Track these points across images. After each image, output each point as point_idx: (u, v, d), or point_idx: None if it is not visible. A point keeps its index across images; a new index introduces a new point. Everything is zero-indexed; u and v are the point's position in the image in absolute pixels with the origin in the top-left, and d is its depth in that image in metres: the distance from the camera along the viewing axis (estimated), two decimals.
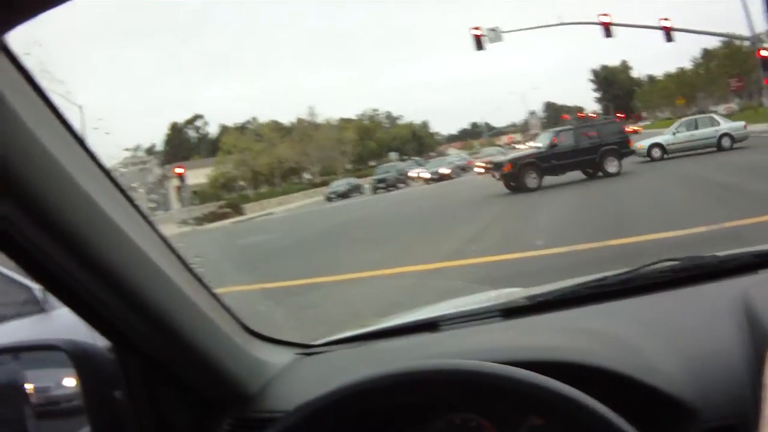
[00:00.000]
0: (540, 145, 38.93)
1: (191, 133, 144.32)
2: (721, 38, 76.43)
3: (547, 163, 36.51)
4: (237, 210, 70.42)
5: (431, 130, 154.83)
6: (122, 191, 1.80)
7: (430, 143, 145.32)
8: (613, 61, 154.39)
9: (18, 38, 1.45)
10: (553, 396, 1.60)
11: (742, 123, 42.59)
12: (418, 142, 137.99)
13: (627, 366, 1.79)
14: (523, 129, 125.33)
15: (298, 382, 2.36)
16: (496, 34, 49.73)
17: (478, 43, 49.00)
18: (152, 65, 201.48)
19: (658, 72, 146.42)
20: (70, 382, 2.30)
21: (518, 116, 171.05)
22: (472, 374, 1.72)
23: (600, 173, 36.35)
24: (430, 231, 24.91)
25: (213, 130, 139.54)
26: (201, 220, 57.11)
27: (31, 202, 1.54)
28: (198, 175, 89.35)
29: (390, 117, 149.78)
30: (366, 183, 78.70)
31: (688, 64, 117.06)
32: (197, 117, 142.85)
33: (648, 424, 1.54)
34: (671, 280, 2.32)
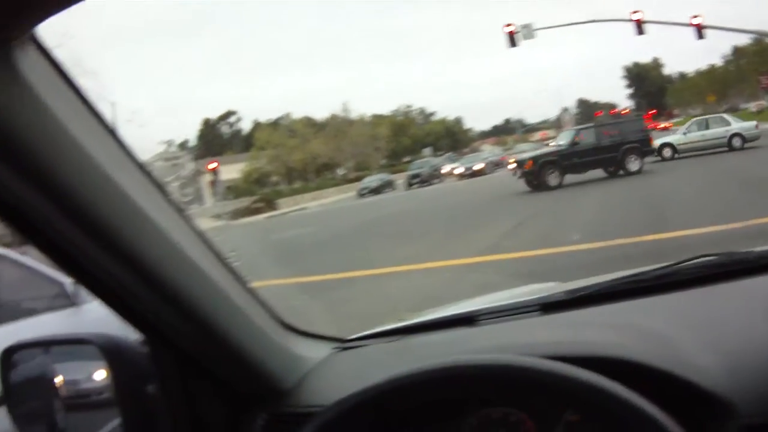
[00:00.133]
0: (561, 142, 39.00)
1: (224, 129, 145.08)
2: (752, 35, 76.08)
3: (569, 161, 36.47)
4: (270, 205, 70.77)
5: (465, 126, 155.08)
6: (156, 184, 1.78)
7: (464, 139, 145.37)
8: (645, 59, 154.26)
9: (49, 30, 1.43)
10: (594, 391, 1.56)
11: (753, 123, 42.64)
12: (452, 138, 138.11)
13: (664, 361, 1.76)
14: (556, 125, 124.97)
15: (334, 376, 2.34)
16: (528, 31, 49.86)
17: (512, 39, 49.16)
18: (185, 62, 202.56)
19: (690, 69, 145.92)
20: (100, 375, 2.29)
21: (551, 112, 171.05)
22: (513, 369, 1.69)
23: (621, 171, 36.30)
24: (464, 226, 24.99)
25: (246, 126, 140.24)
26: (234, 215, 57.41)
27: (63, 195, 1.51)
28: (231, 171, 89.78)
29: (424, 113, 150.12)
30: (399, 179, 78.89)
31: (718, 62, 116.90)
32: (230, 113, 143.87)
33: (684, 420, 1.51)
34: (709, 276, 2.27)
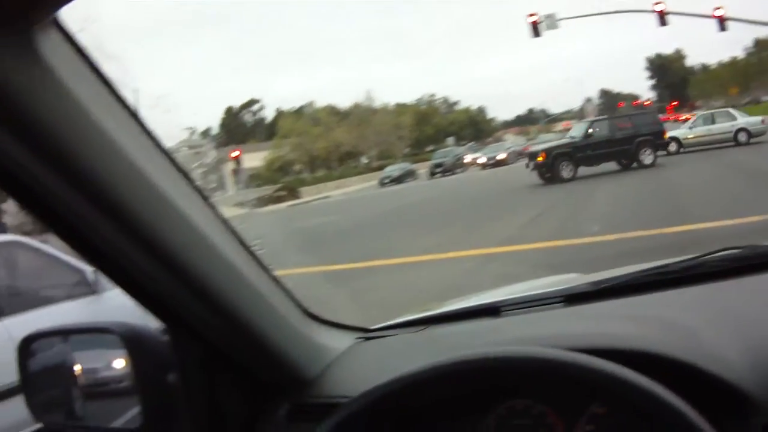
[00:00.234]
0: (575, 134, 38.79)
1: (247, 117, 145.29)
2: None
3: (582, 153, 36.30)
4: (293, 193, 70.94)
5: (488, 116, 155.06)
6: (180, 170, 1.76)
7: (487, 129, 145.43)
8: (668, 50, 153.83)
9: (72, 15, 1.41)
10: (621, 383, 1.56)
11: (759, 118, 42.47)
12: (475, 127, 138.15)
13: (688, 354, 1.74)
14: (580, 116, 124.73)
15: (358, 367, 2.33)
16: (552, 21, 49.96)
17: (535, 29, 49.27)
18: (209, 51, 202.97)
19: (712, 61, 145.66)
20: (119, 363, 2.28)
21: (574, 103, 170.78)
22: (541, 361, 1.69)
23: (635, 164, 36.11)
24: (485, 216, 25.00)
25: (269, 115, 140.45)
26: (257, 203, 57.52)
27: (86, 181, 1.49)
28: (253, 159, 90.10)
29: (447, 102, 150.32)
30: (421, 168, 78.98)
31: (741, 54, 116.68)
32: (253, 101, 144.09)
33: (708, 413, 1.49)
34: (733, 269, 2.26)
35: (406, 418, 1.85)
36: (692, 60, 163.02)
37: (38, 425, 2.52)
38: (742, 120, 41.62)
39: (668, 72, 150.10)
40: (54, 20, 1.39)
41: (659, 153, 37.10)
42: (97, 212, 1.58)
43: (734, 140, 39.96)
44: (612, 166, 36.56)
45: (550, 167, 35.87)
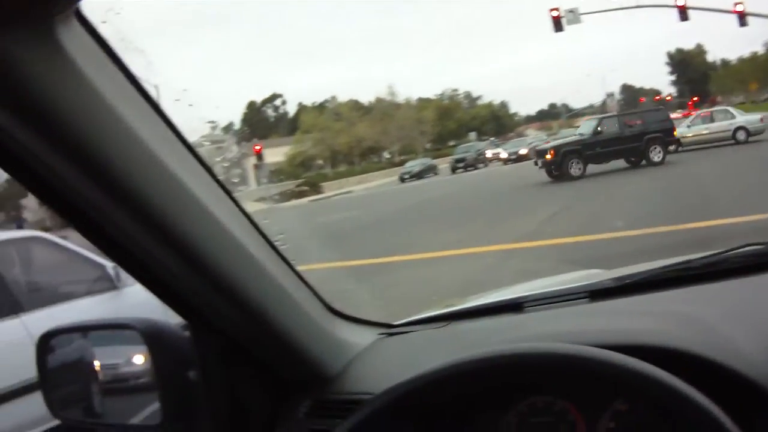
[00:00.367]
0: (584, 131, 38.63)
1: (269, 112, 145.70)
2: None
3: (591, 150, 36.14)
4: (315, 188, 71.10)
5: (510, 111, 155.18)
6: (203, 164, 1.75)
7: (509, 124, 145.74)
8: (689, 45, 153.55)
9: (94, 5, 1.40)
10: (645, 380, 1.55)
11: (758, 116, 42.49)
12: (497, 122, 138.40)
13: (710, 350, 1.73)
14: (601, 111, 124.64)
15: (380, 363, 2.32)
16: (574, 16, 49.99)
17: (557, 24, 49.26)
18: (231, 45, 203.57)
19: (732, 56, 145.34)
20: (139, 359, 2.28)
21: (596, 98, 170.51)
22: (565, 357, 1.68)
23: (644, 162, 35.99)
24: (507, 211, 25.06)
25: (291, 109, 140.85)
26: (279, 198, 57.67)
27: (107, 174, 1.48)
28: (276, 154, 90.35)
29: (469, 97, 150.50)
30: (444, 163, 79.13)
31: (761, 49, 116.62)
32: (276, 96, 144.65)
33: (730, 409, 1.47)
34: (755, 265, 2.25)
35: (427, 415, 1.84)
36: (713, 55, 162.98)
37: (56, 422, 2.51)
38: (741, 118, 41.72)
39: (689, 67, 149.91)
40: (76, 11, 1.37)
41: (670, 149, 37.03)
42: (118, 207, 1.57)
43: (733, 138, 40.02)
44: (621, 163, 36.50)
45: (559, 165, 35.79)
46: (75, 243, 8.84)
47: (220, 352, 2.08)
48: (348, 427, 1.79)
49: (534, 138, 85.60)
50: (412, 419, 1.83)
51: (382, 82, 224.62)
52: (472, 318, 2.53)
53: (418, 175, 72.90)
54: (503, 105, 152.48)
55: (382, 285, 14.09)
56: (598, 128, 37.18)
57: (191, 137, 1.71)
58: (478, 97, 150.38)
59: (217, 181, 1.80)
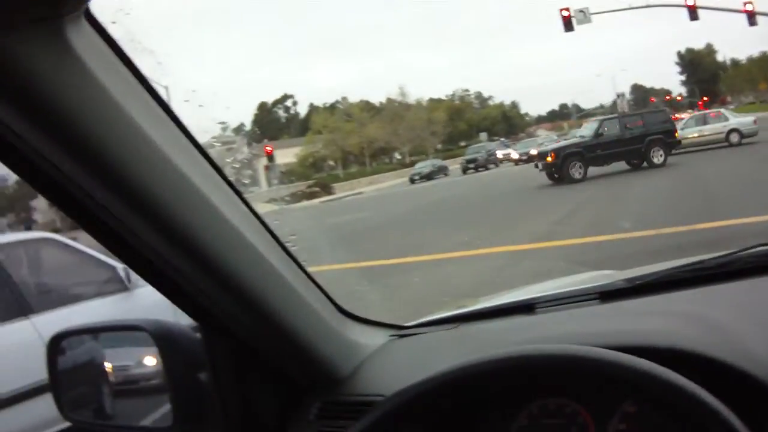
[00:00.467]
0: (585, 134, 38.52)
1: (280, 113, 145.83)
2: None
3: (592, 153, 35.97)
4: (326, 189, 71.22)
5: (521, 111, 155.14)
6: (213, 165, 1.74)
7: (520, 124, 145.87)
8: (699, 45, 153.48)
9: (104, 6, 1.39)
10: (656, 382, 1.54)
11: (751, 118, 42.50)
12: (508, 122, 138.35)
13: (722, 351, 1.71)
14: (612, 111, 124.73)
15: (392, 364, 2.31)
16: (584, 16, 49.99)
17: (567, 24, 49.27)
18: (241, 46, 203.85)
19: (742, 56, 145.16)
20: (149, 361, 2.29)
21: (607, 98, 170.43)
22: (577, 359, 1.67)
23: (645, 164, 35.81)
24: (517, 212, 25.09)
25: (302, 110, 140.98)
26: (290, 200, 57.76)
27: (116, 176, 1.47)
28: (287, 155, 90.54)
29: (480, 97, 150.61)
30: (455, 164, 79.23)
31: None
32: (287, 97, 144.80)
33: (741, 411, 1.46)
34: None
35: (437, 417, 1.84)
36: (722, 55, 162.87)
37: (67, 424, 2.51)
38: (734, 120, 41.60)
39: (699, 67, 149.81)
40: (85, 11, 1.37)
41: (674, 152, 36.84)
42: (128, 208, 1.56)
43: (726, 141, 39.90)
44: (622, 166, 36.38)
45: (560, 168, 35.63)
46: (85, 244, 8.86)
47: (230, 353, 2.08)
48: (359, 428, 1.78)
49: (545, 138, 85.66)
50: (423, 421, 1.82)
51: (393, 83, 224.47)
52: (484, 319, 2.52)
53: (428, 177, 72.96)
54: (514, 105, 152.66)
55: (393, 286, 14.10)
56: (599, 130, 37.03)
57: (201, 138, 1.71)
58: (489, 98, 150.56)
59: (228, 182, 1.80)
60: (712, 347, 1.73)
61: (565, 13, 49.03)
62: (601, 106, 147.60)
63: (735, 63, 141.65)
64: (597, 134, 36.71)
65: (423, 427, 1.84)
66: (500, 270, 14.26)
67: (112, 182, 1.49)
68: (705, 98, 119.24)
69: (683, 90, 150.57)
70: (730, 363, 1.67)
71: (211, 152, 1.72)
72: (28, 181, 1.53)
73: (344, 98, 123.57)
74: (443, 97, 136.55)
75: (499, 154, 77.57)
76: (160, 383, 2.20)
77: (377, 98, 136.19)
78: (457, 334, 2.44)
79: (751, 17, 46.04)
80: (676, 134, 37.53)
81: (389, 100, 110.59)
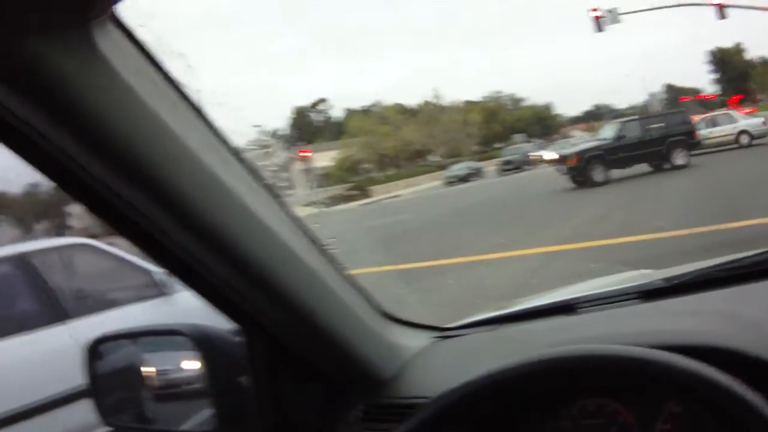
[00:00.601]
0: (606, 136, 38.48)
1: (315, 117, 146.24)
2: None
3: (614, 155, 35.88)
4: (364, 192, 71.53)
5: (554, 112, 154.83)
6: (250, 168, 1.74)
7: (553, 125, 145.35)
8: (728, 43, 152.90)
9: (132, 9, 1.39)
10: (702, 382, 1.54)
11: (761, 119, 42.51)
12: (542, 124, 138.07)
13: (762, 350, 1.69)
14: (643, 111, 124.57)
15: (434, 366, 2.31)
16: (614, 16, 50.27)
17: (598, 24, 49.37)
18: (275, 49, 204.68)
19: None
20: (188, 365, 2.30)
21: (639, 98, 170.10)
22: (622, 359, 1.67)
23: (667, 165, 35.67)
24: (551, 213, 25.14)
25: (337, 114, 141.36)
26: (328, 203, 58.02)
27: (152, 181, 1.47)
28: (323, 158, 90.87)
29: (514, 99, 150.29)
30: (489, 165, 79.42)
31: None
32: (321, 100, 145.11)
33: None
34: None
35: (477, 418, 1.84)
36: (752, 53, 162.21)
37: (106, 428, 2.52)
38: (744, 122, 41.84)
39: (729, 65, 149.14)
40: (113, 15, 1.37)
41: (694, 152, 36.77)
42: (165, 214, 1.57)
43: (736, 142, 39.94)
44: (644, 168, 36.28)
45: (582, 171, 35.55)
46: (122, 249, 8.91)
47: (271, 356, 2.09)
48: (404, 431, 1.78)
49: (579, 139, 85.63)
50: (465, 423, 1.82)
51: (428, 85, 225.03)
52: (525, 320, 2.52)
53: (464, 179, 73.10)
54: (547, 106, 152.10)
55: (431, 288, 14.18)
56: (620, 132, 37.01)
57: (238, 141, 1.71)
58: (523, 99, 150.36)
59: (266, 186, 1.80)
60: (751, 345, 1.72)
61: (595, 14, 49.12)
62: (634, 107, 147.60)
63: (765, 61, 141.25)
64: (618, 137, 36.67)
65: (464, 429, 1.83)
66: (536, 271, 14.36)
67: (146, 187, 1.50)
68: (737, 96, 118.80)
69: (713, 89, 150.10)
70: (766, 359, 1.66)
71: (248, 156, 1.71)
72: (57, 182, 1.54)
73: (379, 101, 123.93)
74: (478, 99, 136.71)
75: (534, 155, 77.73)
76: (199, 387, 2.21)
77: (412, 101, 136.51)
78: (498, 335, 2.44)
79: None
80: (695, 135, 37.49)
81: (425, 102, 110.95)
